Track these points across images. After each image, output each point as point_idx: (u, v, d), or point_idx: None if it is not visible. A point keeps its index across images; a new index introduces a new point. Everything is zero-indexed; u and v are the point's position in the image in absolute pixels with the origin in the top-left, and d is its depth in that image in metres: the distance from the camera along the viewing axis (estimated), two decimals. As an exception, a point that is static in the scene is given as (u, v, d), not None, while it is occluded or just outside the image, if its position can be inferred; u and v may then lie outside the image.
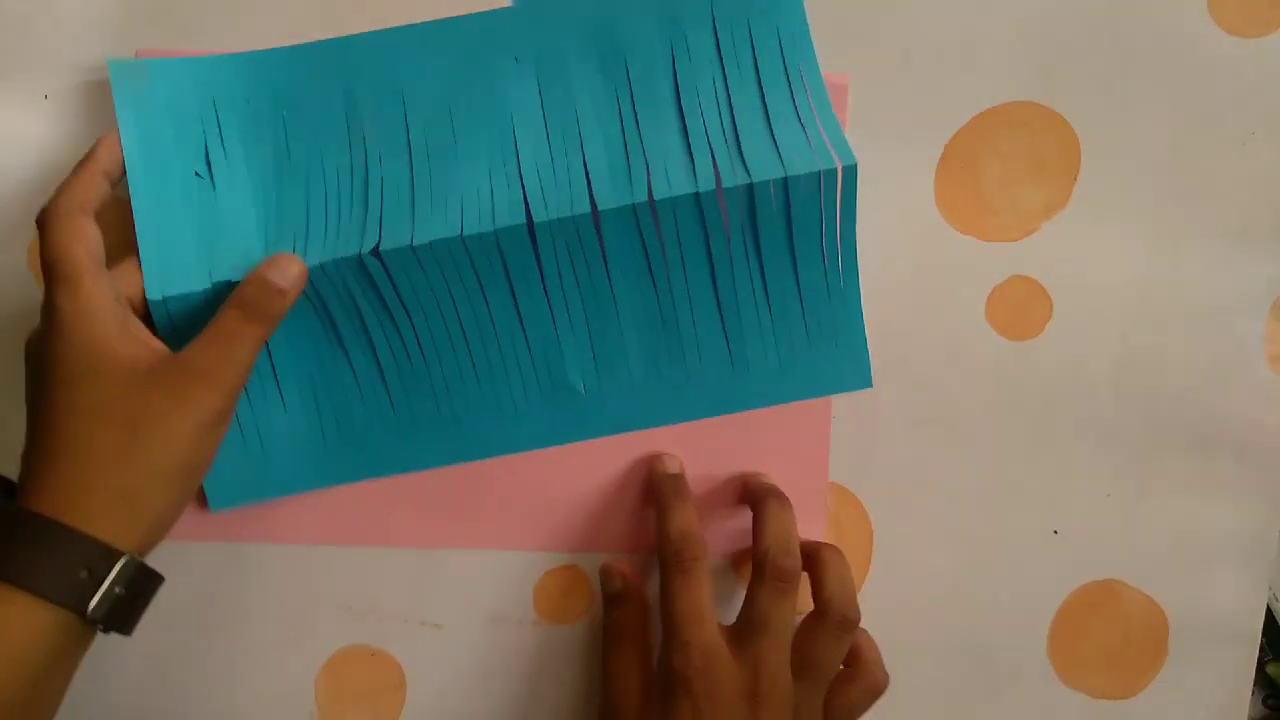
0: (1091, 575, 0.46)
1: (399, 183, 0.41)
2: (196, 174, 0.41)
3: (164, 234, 0.39)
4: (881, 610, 0.44)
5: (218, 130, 0.41)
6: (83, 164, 0.38)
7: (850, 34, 0.44)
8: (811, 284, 0.42)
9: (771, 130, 0.41)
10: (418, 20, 0.42)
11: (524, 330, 0.42)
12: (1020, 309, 0.45)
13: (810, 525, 0.44)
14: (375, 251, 0.40)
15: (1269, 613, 0.47)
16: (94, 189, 0.37)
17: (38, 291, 0.43)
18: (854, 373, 0.43)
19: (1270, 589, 0.46)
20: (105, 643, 0.43)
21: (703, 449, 0.44)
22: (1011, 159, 0.44)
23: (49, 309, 0.35)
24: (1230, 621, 0.46)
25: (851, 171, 0.40)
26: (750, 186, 0.40)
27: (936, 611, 0.46)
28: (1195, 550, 0.46)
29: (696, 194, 0.40)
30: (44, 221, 0.36)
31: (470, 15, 0.42)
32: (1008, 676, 0.46)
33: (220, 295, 0.39)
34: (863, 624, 0.41)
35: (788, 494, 0.42)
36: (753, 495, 0.43)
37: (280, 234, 0.41)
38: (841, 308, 0.42)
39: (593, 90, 0.42)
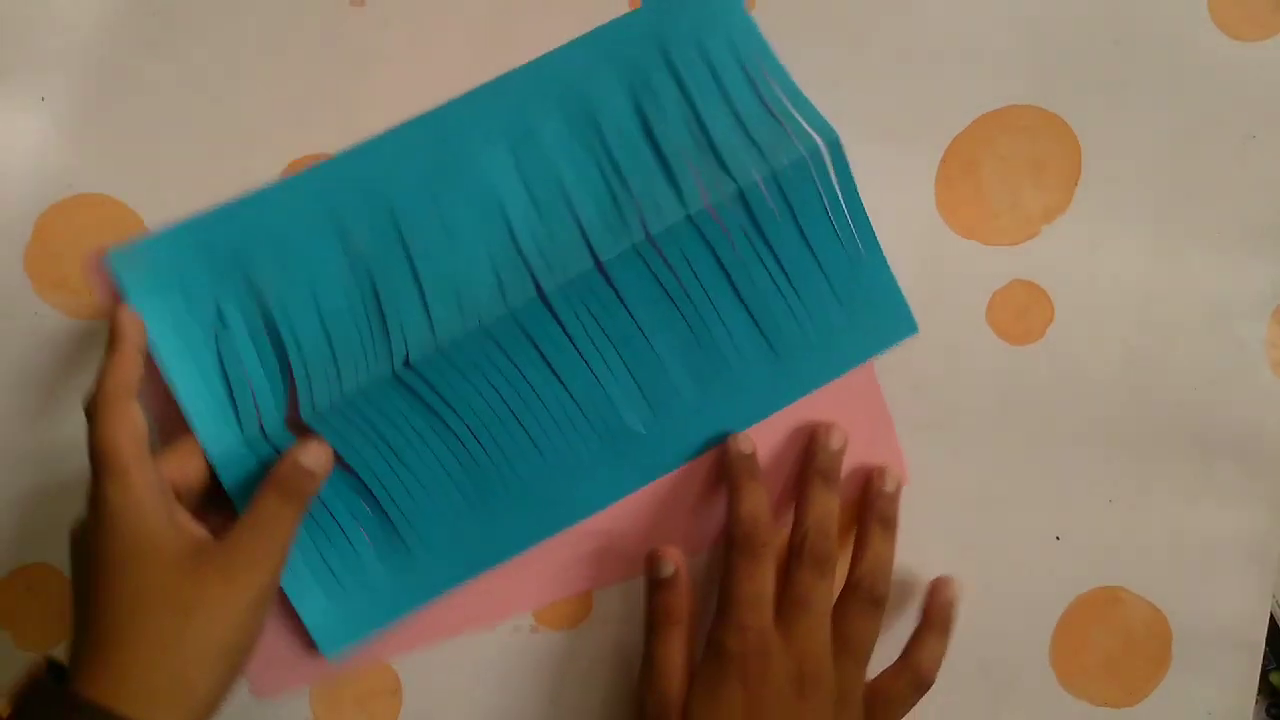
0: (1094, 582, 0.45)
1: (408, 291, 0.42)
2: (216, 334, 0.41)
3: (199, 399, 0.41)
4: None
5: (224, 286, 0.42)
6: (115, 344, 0.38)
7: (850, 36, 0.44)
8: (831, 258, 0.42)
9: (747, 132, 0.41)
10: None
11: (569, 393, 0.42)
12: (1021, 313, 0.44)
13: (885, 453, 0.44)
14: (406, 364, 0.40)
15: (1272, 620, 0.47)
16: (133, 368, 0.38)
17: (34, 294, 0.43)
18: (898, 324, 0.43)
19: (1274, 596, 0.46)
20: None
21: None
22: (1012, 162, 0.44)
23: (97, 500, 0.36)
24: (1233, 629, 0.45)
25: (836, 145, 0.41)
26: (739, 192, 0.40)
27: (937, 618, 0.45)
28: (1198, 557, 0.45)
29: (689, 215, 0.41)
30: (91, 410, 0.37)
31: (430, 113, 0.42)
32: (1009, 683, 0.45)
33: (258, 449, 0.40)
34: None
35: (852, 436, 0.43)
36: (804, 469, 0.43)
37: (310, 374, 0.41)
38: (867, 269, 0.43)
39: (567, 150, 0.42)
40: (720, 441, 0.43)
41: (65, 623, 0.44)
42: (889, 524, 0.42)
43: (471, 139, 0.42)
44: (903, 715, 0.41)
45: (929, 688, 0.41)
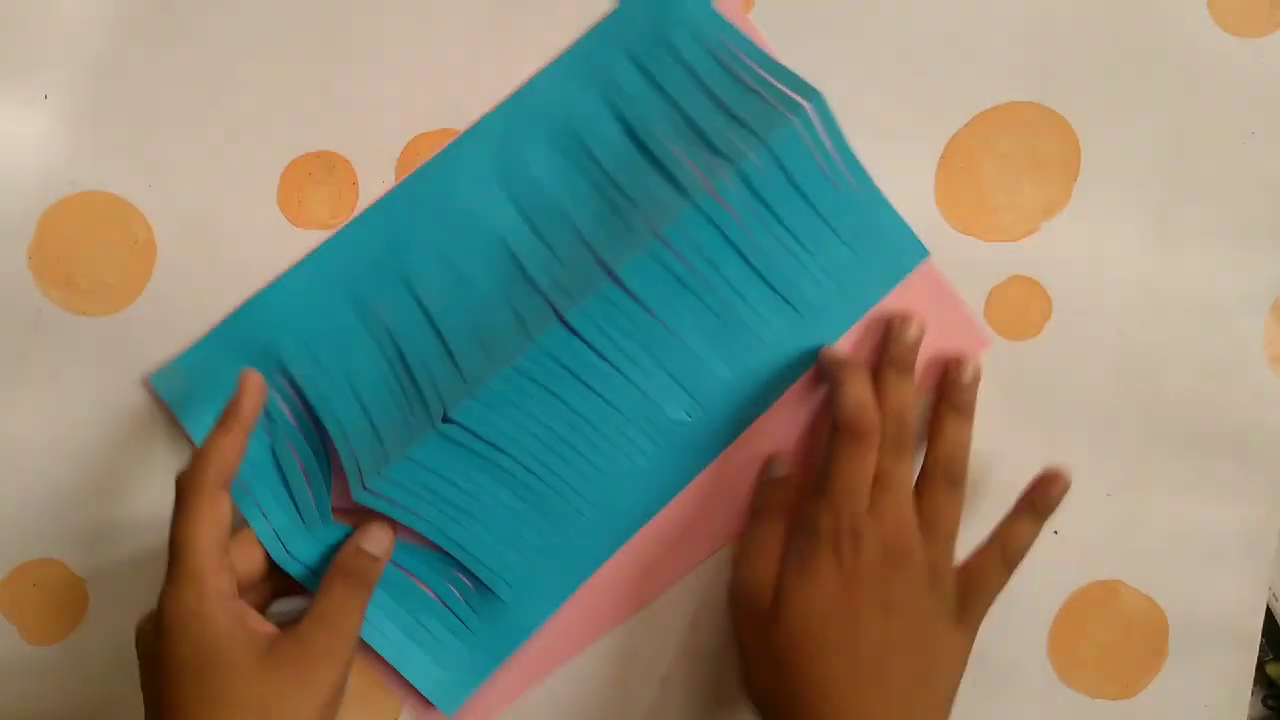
0: (1091, 576, 0.46)
1: (433, 350, 0.42)
2: (268, 431, 0.42)
3: (256, 495, 0.41)
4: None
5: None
6: (227, 422, 0.38)
7: (850, 34, 0.44)
8: (833, 209, 0.43)
9: (730, 111, 0.42)
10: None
11: (611, 405, 0.42)
12: (1020, 309, 0.45)
13: (965, 336, 0.45)
14: (446, 420, 0.41)
15: (1269, 613, 0.47)
16: (238, 452, 0.38)
17: (37, 291, 0.43)
18: (907, 253, 0.44)
19: (1270, 589, 0.46)
20: (101, 650, 0.43)
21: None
22: (1011, 159, 0.44)
23: (169, 601, 0.36)
24: (1230, 621, 0.46)
25: (819, 101, 0.41)
26: (738, 170, 0.41)
27: (936, 611, 0.45)
28: (1195, 550, 0.45)
29: (695, 205, 0.41)
30: (182, 491, 0.37)
31: (416, 172, 0.43)
32: (1008, 676, 0.46)
33: (322, 535, 0.41)
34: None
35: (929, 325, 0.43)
36: (879, 360, 0.43)
37: (357, 455, 0.41)
38: (869, 210, 0.43)
39: (558, 173, 0.43)
40: (763, 410, 0.44)
41: (70, 618, 0.44)
42: (964, 411, 0.43)
43: (462, 187, 0.43)
44: (994, 594, 0.41)
45: (1016, 566, 0.41)
